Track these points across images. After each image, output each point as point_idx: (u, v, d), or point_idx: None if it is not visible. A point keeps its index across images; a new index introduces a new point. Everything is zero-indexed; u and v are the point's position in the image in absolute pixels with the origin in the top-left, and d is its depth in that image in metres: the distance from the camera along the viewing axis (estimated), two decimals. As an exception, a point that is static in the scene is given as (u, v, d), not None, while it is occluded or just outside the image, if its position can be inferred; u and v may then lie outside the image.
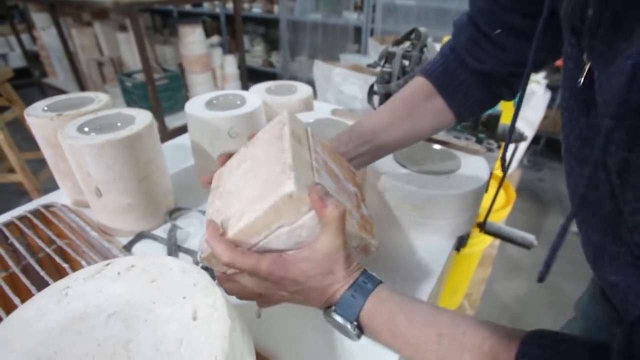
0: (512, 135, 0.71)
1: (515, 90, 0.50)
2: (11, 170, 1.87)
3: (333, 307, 0.34)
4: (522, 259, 1.81)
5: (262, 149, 0.37)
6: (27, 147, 1.96)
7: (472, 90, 0.47)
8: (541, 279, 0.31)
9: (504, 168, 0.51)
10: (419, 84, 0.49)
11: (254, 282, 0.34)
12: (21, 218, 0.57)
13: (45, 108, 0.57)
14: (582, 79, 0.28)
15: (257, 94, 0.73)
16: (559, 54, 0.45)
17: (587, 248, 0.35)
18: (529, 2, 0.40)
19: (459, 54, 0.47)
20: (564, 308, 1.53)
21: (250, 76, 2.70)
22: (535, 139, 2.56)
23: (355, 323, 0.33)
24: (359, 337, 0.33)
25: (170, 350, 0.23)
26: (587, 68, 0.27)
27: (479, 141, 0.76)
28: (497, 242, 1.55)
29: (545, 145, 2.67)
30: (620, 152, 0.24)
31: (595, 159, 0.26)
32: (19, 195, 2.15)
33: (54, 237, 0.54)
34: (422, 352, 0.31)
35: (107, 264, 0.30)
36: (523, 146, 2.31)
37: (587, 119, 0.29)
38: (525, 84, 0.43)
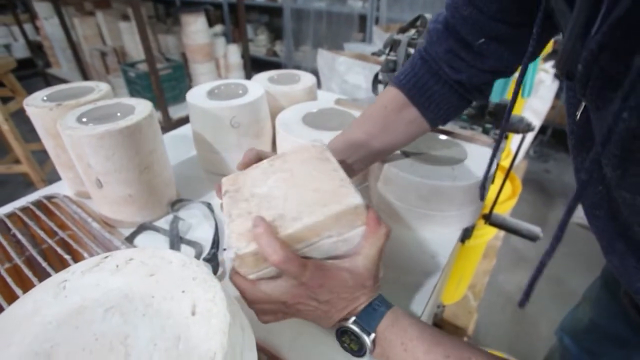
0: (522, 126, 0.70)
1: (487, 94, 0.50)
2: (17, 161, 1.88)
3: (353, 318, 0.34)
4: (527, 250, 1.80)
5: (300, 166, 0.39)
6: (32, 138, 1.96)
7: (445, 99, 0.48)
8: (521, 304, 0.33)
9: (483, 195, 0.51)
10: (392, 95, 0.49)
11: (286, 288, 0.34)
12: (23, 209, 0.57)
13: (45, 98, 0.57)
14: (579, 113, 0.29)
15: (260, 83, 0.71)
16: (546, 42, 0.45)
17: (611, 256, 0.35)
18: (517, 13, 0.39)
19: (433, 64, 0.47)
20: (567, 300, 1.52)
21: (253, 66, 2.68)
22: (542, 130, 2.52)
23: (373, 335, 0.34)
24: (370, 352, 0.34)
25: (168, 347, 0.23)
26: (582, 106, 0.29)
27: (486, 131, 0.75)
28: (502, 233, 1.54)
29: (551, 136, 2.63)
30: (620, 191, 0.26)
31: (601, 191, 0.28)
32: (25, 186, 2.17)
33: (56, 229, 0.53)
34: None
35: (106, 257, 0.30)
36: (529, 137, 2.28)
37: (588, 148, 0.31)
38: (522, 77, 0.42)
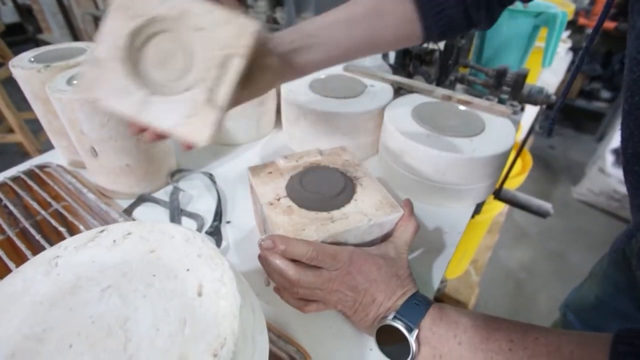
0: (541, 97, 0.66)
1: (493, 19, 0.44)
2: (11, 131, 1.83)
3: (392, 314, 0.32)
4: (529, 227, 1.79)
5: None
6: (25, 106, 1.89)
7: (448, 8, 0.41)
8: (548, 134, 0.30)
9: (551, 130, 0.47)
10: None
11: (324, 275, 0.34)
12: (14, 179, 0.54)
13: (32, 59, 0.52)
14: None
15: (263, 48, 0.67)
16: None
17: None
18: None
19: None
20: (567, 275, 1.53)
21: (253, 34, 2.57)
22: (548, 106, 2.47)
23: (416, 332, 0.31)
24: (414, 356, 0.31)
25: (172, 331, 0.20)
26: None
27: (501, 102, 0.71)
28: (506, 209, 1.52)
29: (558, 111, 2.57)
30: None
31: None
32: (21, 155, 2.13)
33: (50, 200, 0.51)
34: None
35: (102, 231, 0.27)
36: (535, 111, 2.22)
37: None
38: (596, 31, 0.37)
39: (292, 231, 0.35)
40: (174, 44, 0.30)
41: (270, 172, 0.44)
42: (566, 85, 0.40)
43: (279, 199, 0.39)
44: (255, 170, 0.44)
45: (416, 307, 0.32)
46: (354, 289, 0.33)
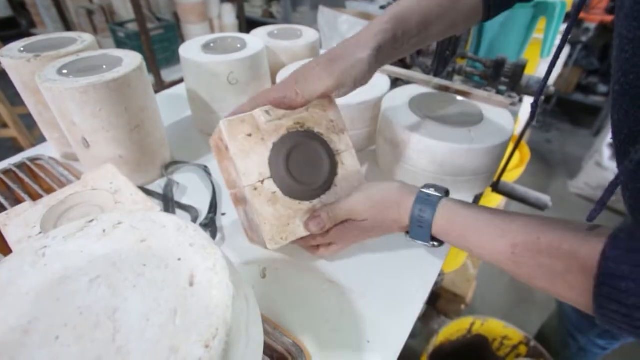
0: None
1: None
2: (5, 126, 1.81)
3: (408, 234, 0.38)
4: (526, 220, 1.79)
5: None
6: (20, 101, 1.86)
7: None
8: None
9: (534, 114, 0.47)
10: None
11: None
12: (6, 171, 0.53)
13: (22, 49, 0.51)
14: None
15: (259, 38, 0.66)
16: None
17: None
18: None
19: None
20: (565, 268, 1.53)
21: (249, 28, 2.55)
22: (546, 98, 2.46)
23: (432, 243, 0.36)
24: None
25: (163, 322, 0.20)
26: None
27: (500, 93, 0.70)
28: (503, 202, 1.52)
29: (556, 105, 2.57)
30: None
31: None
32: (15, 151, 2.11)
33: (42, 193, 0.50)
34: (498, 262, 0.33)
35: (91, 221, 0.26)
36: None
37: None
38: (571, 25, 0.37)
39: (277, 225, 0.37)
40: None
41: (250, 135, 0.38)
42: (547, 72, 0.40)
43: (262, 181, 0.37)
44: (231, 126, 0.37)
45: (420, 213, 0.35)
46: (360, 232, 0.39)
